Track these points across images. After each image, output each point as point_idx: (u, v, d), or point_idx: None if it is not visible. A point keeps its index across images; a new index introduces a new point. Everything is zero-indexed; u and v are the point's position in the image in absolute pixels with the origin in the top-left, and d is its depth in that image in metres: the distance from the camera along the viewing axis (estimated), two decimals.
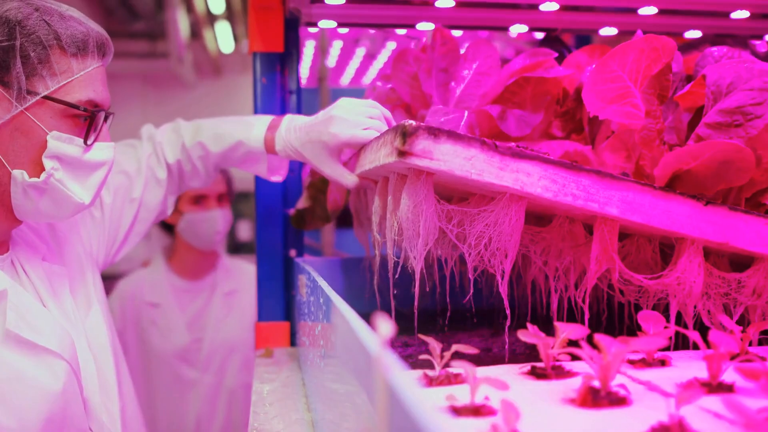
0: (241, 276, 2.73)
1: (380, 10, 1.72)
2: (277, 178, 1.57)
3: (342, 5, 1.66)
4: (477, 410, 0.77)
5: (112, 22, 7.73)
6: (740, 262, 1.14)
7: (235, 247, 6.24)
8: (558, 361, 0.96)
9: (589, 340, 0.86)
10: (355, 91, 3.07)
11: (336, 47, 3.84)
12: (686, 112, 1.25)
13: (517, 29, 1.79)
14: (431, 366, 0.92)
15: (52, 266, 1.28)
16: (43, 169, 1.15)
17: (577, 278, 1.13)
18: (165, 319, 2.60)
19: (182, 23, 6.66)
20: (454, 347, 0.91)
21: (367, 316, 0.70)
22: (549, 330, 1.08)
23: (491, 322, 1.47)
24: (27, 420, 1.12)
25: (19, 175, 1.14)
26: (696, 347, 1.06)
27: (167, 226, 2.70)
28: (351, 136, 1.31)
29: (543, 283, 1.23)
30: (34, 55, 1.13)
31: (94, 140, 1.20)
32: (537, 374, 0.95)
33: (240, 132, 1.50)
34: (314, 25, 1.77)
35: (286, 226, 1.77)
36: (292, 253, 1.78)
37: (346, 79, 4.40)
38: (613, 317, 1.31)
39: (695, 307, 1.09)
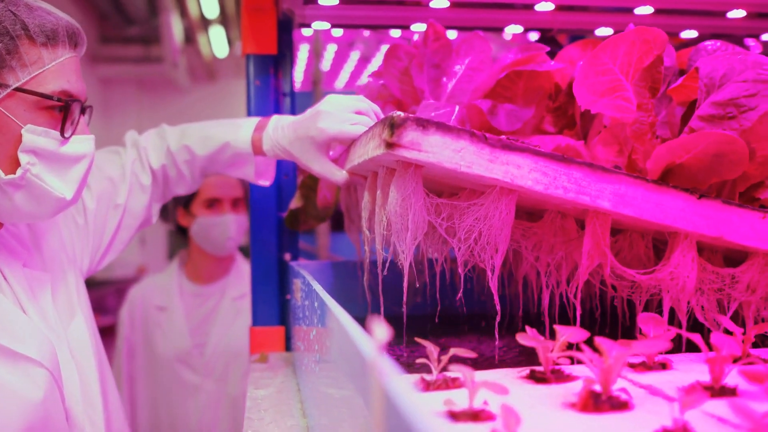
0: None
1: (374, 11, 1.71)
2: (264, 183, 1.54)
3: (335, 6, 1.65)
4: (476, 415, 0.76)
5: (107, 27, 7.73)
6: (734, 258, 1.13)
7: None
8: (557, 364, 0.94)
9: (588, 342, 0.84)
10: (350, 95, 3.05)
11: (330, 51, 3.83)
12: (679, 107, 1.24)
13: (513, 30, 1.78)
14: (421, 369, 0.91)
15: (34, 272, 1.25)
16: (19, 164, 1.13)
17: (569, 274, 1.11)
18: (169, 322, 2.59)
19: (176, 28, 6.66)
20: (452, 351, 0.89)
21: (362, 320, 0.69)
22: (541, 329, 1.07)
23: (483, 325, 1.45)
24: (6, 430, 1.10)
25: None
26: (691, 348, 1.04)
27: (183, 230, 2.67)
28: (339, 131, 1.29)
29: (534, 280, 1.22)
30: (1, 46, 1.11)
31: (72, 133, 1.17)
32: (536, 378, 0.93)
33: (227, 134, 1.47)
34: (308, 26, 1.76)
35: (280, 229, 1.75)
36: (287, 256, 1.76)
37: (340, 83, 4.39)
38: (606, 315, 1.29)
39: (689, 302, 1.07)
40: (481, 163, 0.95)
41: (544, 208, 1.11)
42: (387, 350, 1.20)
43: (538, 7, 1.65)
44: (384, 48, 3.56)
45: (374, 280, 1.11)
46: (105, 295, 8.85)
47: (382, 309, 1.09)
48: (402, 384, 0.47)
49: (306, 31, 2.20)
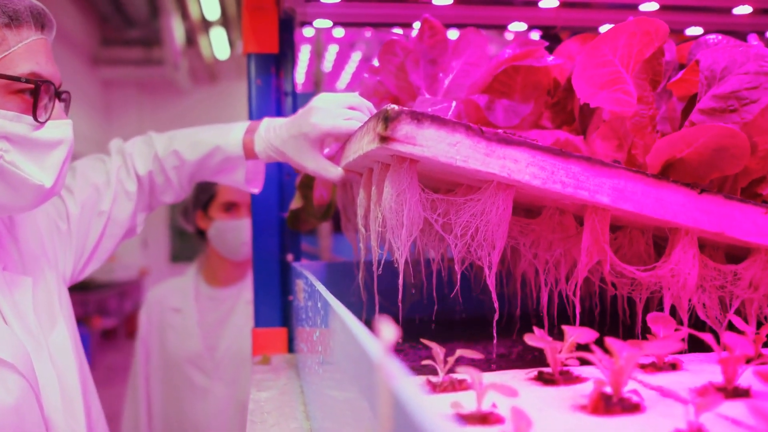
0: None
1: (376, 9, 1.70)
2: (254, 190, 1.52)
3: (337, 4, 1.63)
4: (485, 418, 0.73)
5: (108, 29, 7.74)
6: (736, 255, 1.11)
7: None
8: (565, 365, 0.92)
9: (596, 342, 0.82)
10: None
11: (332, 52, 3.82)
12: (680, 102, 1.22)
13: (516, 27, 1.76)
14: (424, 370, 0.88)
15: (13, 276, 1.21)
16: None
17: (568, 271, 1.09)
18: (182, 323, 2.58)
19: (177, 30, 6.66)
20: (459, 352, 0.87)
21: (366, 321, 0.67)
22: (540, 326, 1.05)
23: (482, 327, 1.43)
24: None
25: None
26: (694, 346, 1.01)
27: (202, 233, 2.66)
28: (332, 126, 1.26)
29: (533, 278, 1.20)
30: None
31: (48, 118, 1.13)
32: (544, 380, 0.90)
33: (217, 138, 1.44)
34: (309, 24, 1.74)
35: (282, 230, 1.73)
36: (289, 257, 1.74)
37: (342, 84, 4.37)
38: (606, 313, 1.27)
39: (690, 300, 1.05)
40: (477, 158, 0.93)
41: (542, 204, 1.09)
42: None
43: (542, 4, 1.63)
44: None
45: (372, 280, 1.09)
46: (107, 297, 8.86)
47: (377, 308, 1.07)
48: (411, 386, 0.45)
49: (307, 32, 2.19)
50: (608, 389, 0.78)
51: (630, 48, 1.04)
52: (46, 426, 1.18)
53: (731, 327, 1.07)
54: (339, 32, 3.04)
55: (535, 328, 0.93)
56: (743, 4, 1.63)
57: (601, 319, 1.26)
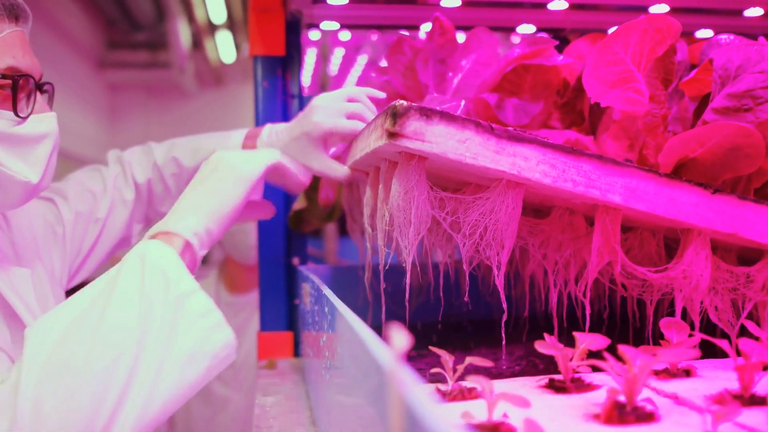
0: None
1: (384, 11, 1.69)
2: (255, 196, 1.50)
3: (345, 5, 1.62)
4: (496, 428, 0.72)
5: (114, 32, 7.74)
6: (749, 258, 1.09)
7: None
8: (576, 372, 0.90)
9: (608, 349, 0.80)
10: None
11: (338, 55, 3.80)
12: (692, 102, 1.20)
13: (524, 29, 1.75)
14: (430, 376, 0.87)
15: (11, 268, 1.19)
16: None
17: (578, 272, 1.08)
18: None
19: (183, 33, 6.66)
20: (468, 360, 0.85)
21: (372, 323, 0.65)
22: (549, 331, 1.03)
23: (490, 330, 1.41)
24: None
25: None
26: (706, 350, 0.99)
27: None
28: (334, 124, 1.26)
29: (542, 279, 1.18)
30: None
31: (31, 112, 1.10)
32: (556, 388, 0.89)
33: (216, 144, 1.43)
34: (316, 26, 1.73)
35: (288, 233, 1.72)
36: (295, 260, 1.72)
37: None
38: (616, 316, 1.25)
39: (702, 302, 1.03)
40: (486, 155, 0.91)
41: (552, 204, 1.08)
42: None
43: (551, 6, 1.62)
44: None
45: (378, 282, 1.07)
46: None
47: (383, 311, 1.06)
48: (423, 397, 0.44)
49: (313, 35, 2.18)
50: (622, 398, 0.76)
51: (642, 46, 1.03)
52: None
53: (743, 330, 1.05)
54: (345, 35, 3.03)
55: (545, 335, 0.91)
56: (754, 6, 1.62)
57: (610, 321, 1.24)
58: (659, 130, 1.05)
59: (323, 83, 3.68)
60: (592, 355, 0.87)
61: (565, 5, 1.61)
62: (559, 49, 1.33)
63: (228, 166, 1.12)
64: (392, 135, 0.90)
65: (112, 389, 0.89)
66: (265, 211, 1.36)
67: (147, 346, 0.92)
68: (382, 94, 1.33)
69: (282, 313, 1.72)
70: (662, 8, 1.62)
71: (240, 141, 1.43)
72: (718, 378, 0.92)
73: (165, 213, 1.49)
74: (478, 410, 0.74)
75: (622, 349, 0.76)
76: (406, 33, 1.76)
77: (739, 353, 0.83)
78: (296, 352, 1.72)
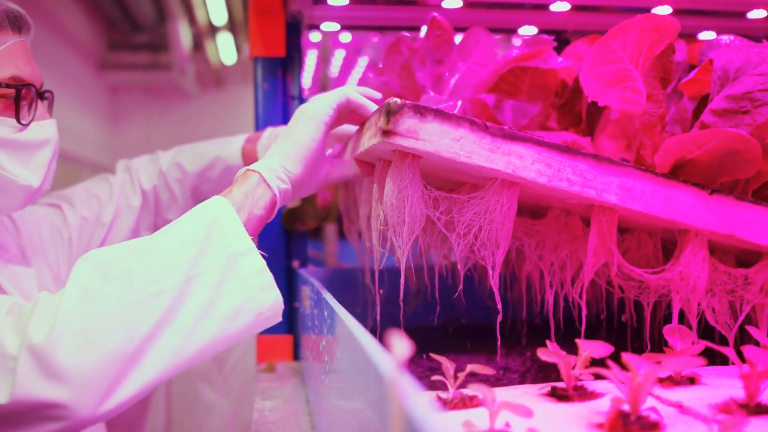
0: None
1: (385, 12, 1.69)
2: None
3: (345, 6, 1.62)
4: None
5: (115, 34, 7.74)
6: (746, 260, 1.08)
7: None
8: (579, 380, 0.88)
9: (611, 356, 0.79)
10: None
11: (338, 57, 3.79)
12: (690, 102, 1.19)
13: (526, 31, 1.74)
14: (428, 382, 0.85)
15: (18, 268, 1.22)
16: None
17: (574, 273, 1.07)
18: None
19: (184, 35, 6.65)
20: (469, 367, 0.84)
21: (370, 326, 0.65)
22: (546, 334, 1.02)
23: (487, 333, 1.40)
24: None
25: None
26: (708, 356, 0.98)
27: None
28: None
29: (538, 281, 1.17)
30: None
31: (32, 120, 1.14)
32: (558, 396, 0.87)
33: (217, 148, 1.48)
34: (316, 28, 1.73)
35: (288, 235, 1.71)
36: (295, 263, 1.71)
37: None
38: (612, 318, 1.24)
39: (699, 304, 1.02)
40: (481, 153, 0.90)
41: (548, 204, 1.07)
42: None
43: (553, 8, 1.61)
44: None
45: (379, 284, 1.07)
46: None
47: (378, 314, 1.05)
48: (424, 405, 0.43)
49: (314, 37, 2.18)
50: (626, 407, 0.74)
51: (640, 45, 1.02)
52: None
53: (741, 333, 1.04)
54: (346, 37, 3.02)
55: (547, 342, 0.90)
56: (758, 8, 1.61)
57: (608, 324, 1.23)
58: (656, 130, 1.04)
59: (324, 85, 3.66)
60: (595, 362, 0.86)
61: (568, 7, 1.60)
62: (560, 50, 1.32)
63: (300, 111, 1.14)
64: (386, 133, 0.89)
65: (146, 320, 0.92)
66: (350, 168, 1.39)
67: (192, 292, 0.96)
68: (378, 95, 1.32)
69: (282, 317, 1.70)
70: (665, 10, 1.61)
71: (240, 144, 1.47)
72: (722, 386, 0.90)
73: (172, 219, 1.51)
74: (480, 419, 0.72)
75: (626, 357, 0.74)
76: (407, 34, 1.75)
77: (743, 360, 0.81)
78: (296, 356, 1.71)
